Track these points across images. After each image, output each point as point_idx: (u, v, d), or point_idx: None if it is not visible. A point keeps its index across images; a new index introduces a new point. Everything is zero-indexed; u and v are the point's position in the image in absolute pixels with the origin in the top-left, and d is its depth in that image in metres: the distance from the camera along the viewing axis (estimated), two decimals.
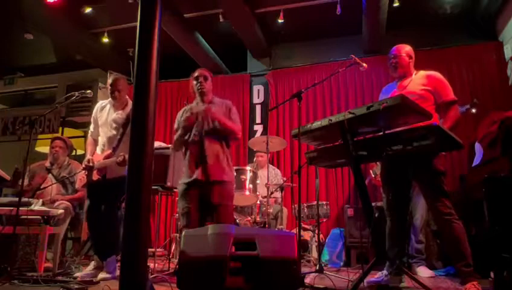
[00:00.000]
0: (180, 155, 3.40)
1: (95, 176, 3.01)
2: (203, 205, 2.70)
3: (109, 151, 2.98)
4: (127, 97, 3.22)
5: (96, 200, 3.04)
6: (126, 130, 2.95)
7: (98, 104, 3.32)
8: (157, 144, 3.50)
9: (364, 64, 2.92)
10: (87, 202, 3.08)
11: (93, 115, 3.29)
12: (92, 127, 3.29)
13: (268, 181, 4.19)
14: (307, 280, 2.71)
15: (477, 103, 3.88)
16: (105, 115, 3.19)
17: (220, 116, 2.77)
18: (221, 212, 2.65)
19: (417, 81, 2.66)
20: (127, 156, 2.84)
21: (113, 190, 2.99)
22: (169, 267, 3.36)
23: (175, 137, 2.86)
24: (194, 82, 2.89)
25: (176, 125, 2.92)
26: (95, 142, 3.24)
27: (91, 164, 3.04)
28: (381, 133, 2.21)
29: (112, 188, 2.98)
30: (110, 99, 3.22)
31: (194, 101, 2.94)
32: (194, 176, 2.69)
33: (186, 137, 2.79)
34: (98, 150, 3.17)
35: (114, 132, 3.07)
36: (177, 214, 4.50)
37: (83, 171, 3.10)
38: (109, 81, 3.14)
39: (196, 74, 2.89)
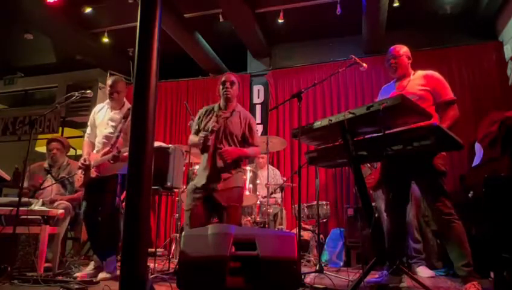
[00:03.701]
0: (180, 155, 3.42)
1: (93, 173, 3.02)
2: (209, 205, 2.73)
3: (107, 149, 3.00)
4: (125, 99, 3.27)
5: (94, 198, 3.05)
6: (123, 128, 2.97)
7: (95, 107, 3.37)
8: (157, 144, 3.50)
9: (364, 64, 2.92)
10: (84, 202, 3.09)
11: (90, 118, 3.33)
12: (88, 129, 3.33)
13: (268, 181, 4.19)
14: (307, 280, 2.71)
15: None
16: (102, 115, 3.23)
17: (236, 153, 2.77)
18: (230, 214, 2.68)
19: (416, 81, 2.66)
20: (123, 149, 2.87)
21: (108, 187, 3.00)
22: (169, 267, 3.36)
23: (193, 139, 2.90)
24: (221, 87, 2.93)
25: (195, 125, 2.97)
26: (92, 144, 3.26)
27: (87, 163, 3.06)
28: (381, 133, 2.21)
29: (106, 185, 3.00)
30: (107, 101, 3.27)
31: (218, 102, 2.98)
32: (204, 181, 2.74)
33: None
34: (95, 150, 3.19)
35: (111, 130, 3.11)
36: (177, 214, 4.52)
37: (81, 171, 3.11)
38: (108, 82, 3.18)
39: (223, 79, 2.94)
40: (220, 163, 2.75)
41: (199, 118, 2.98)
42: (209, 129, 2.77)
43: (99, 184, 3.01)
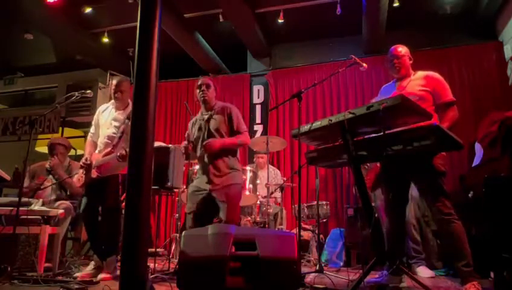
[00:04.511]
0: (180, 155, 3.42)
1: (94, 174, 3.02)
2: (209, 206, 2.76)
3: (109, 149, 3.00)
4: (129, 100, 3.25)
5: (94, 199, 3.05)
6: (125, 128, 2.98)
7: (100, 107, 3.36)
8: (157, 144, 3.50)
9: (364, 64, 2.92)
10: (83, 202, 3.08)
11: (94, 117, 3.32)
12: (92, 129, 3.32)
13: (268, 181, 4.19)
14: (307, 280, 2.71)
15: None
16: (107, 115, 3.22)
17: (219, 143, 2.80)
18: (227, 211, 2.70)
19: (416, 81, 2.66)
20: (127, 150, 2.87)
21: (108, 188, 3.00)
22: (169, 267, 3.36)
23: (182, 147, 2.99)
24: (197, 90, 2.98)
25: (186, 135, 3.07)
26: (94, 144, 3.25)
27: (88, 162, 3.06)
28: (381, 133, 2.21)
29: (107, 185, 3.00)
30: (111, 101, 3.26)
31: (199, 110, 3.05)
32: (202, 183, 2.81)
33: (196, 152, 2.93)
34: (97, 150, 3.18)
35: (114, 130, 3.10)
36: (177, 214, 4.52)
37: (81, 171, 3.10)
38: (114, 82, 3.17)
39: (199, 83, 2.98)
40: (208, 162, 2.80)
41: (191, 129, 3.05)
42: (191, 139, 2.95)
43: (100, 184, 3.01)
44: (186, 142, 2.95)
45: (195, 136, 2.95)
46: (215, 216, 2.81)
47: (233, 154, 2.90)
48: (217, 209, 2.75)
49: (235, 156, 2.92)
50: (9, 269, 2.64)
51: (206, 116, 2.93)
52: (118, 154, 2.87)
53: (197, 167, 3.58)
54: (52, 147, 4.03)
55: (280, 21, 5.15)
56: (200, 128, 2.93)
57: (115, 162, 2.93)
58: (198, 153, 2.90)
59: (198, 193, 2.80)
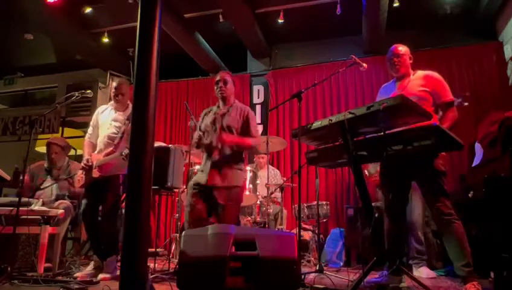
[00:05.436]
0: (180, 155, 3.42)
1: (96, 174, 3.02)
2: (209, 202, 2.75)
3: (110, 149, 3.00)
4: (129, 102, 3.26)
5: (94, 199, 3.05)
6: (126, 129, 2.98)
7: (98, 108, 3.37)
8: (157, 144, 3.50)
9: (364, 64, 2.92)
10: (83, 202, 3.08)
11: (93, 118, 3.32)
12: (90, 130, 3.32)
13: (268, 181, 4.19)
14: (307, 280, 2.71)
15: (469, 96, 3.87)
16: (106, 115, 3.23)
17: (233, 139, 2.80)
18: (226, 212, 2.69)
19: (416, 81, 2.66)
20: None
21: (110, 187, 3.00)
22: (169, 267, 3.36)
23: (195, 137, 2.93)
24: (215, 87, 2.97)
25: (198, 126, 3.00)
26: (92, 144, 3.25)
27: (90, 163, 3.06)
28: (382, 133, 2.21)
29: (109, 185, 3.00)
30: (111, 102, 3.27)
31: (216, 103, 3.03)
32: (205, 179, 2.76)
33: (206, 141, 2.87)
34: (96, 151, 3.18)
35: (114, 131, 3.10)
36: (177, 214, 4.52)
37: (81, 172, 3.10)
38: (114, 84, 3.19)
39: (217, 78, 2.97)
40: (215, 157, 2.77)
41: (202, 119, 3.03)
42: (201, 129, 2.85)
43: (102, 184, 3.01)
44: (200, 132, 2.87)
45: (205, 127, 2.92)
46: (213, 214, 2.77)
47: (240, 154, 2.89)
48: (214, 208, 2.74)
49: (242, 156, 2.91)
50: (9, 269, 2.64)
51: (222, 112, 2.92)
52: (124, 153, 2.86)
53: (197, 167, 3.58)
54: (47, 146, 4.03)
55: (280, 21, 5.15)
56: (212, 122, 2.90)
57: (118, 162, 2.93)
58: (206, 144, 2.87)
59: (197, 188, 2.77)
